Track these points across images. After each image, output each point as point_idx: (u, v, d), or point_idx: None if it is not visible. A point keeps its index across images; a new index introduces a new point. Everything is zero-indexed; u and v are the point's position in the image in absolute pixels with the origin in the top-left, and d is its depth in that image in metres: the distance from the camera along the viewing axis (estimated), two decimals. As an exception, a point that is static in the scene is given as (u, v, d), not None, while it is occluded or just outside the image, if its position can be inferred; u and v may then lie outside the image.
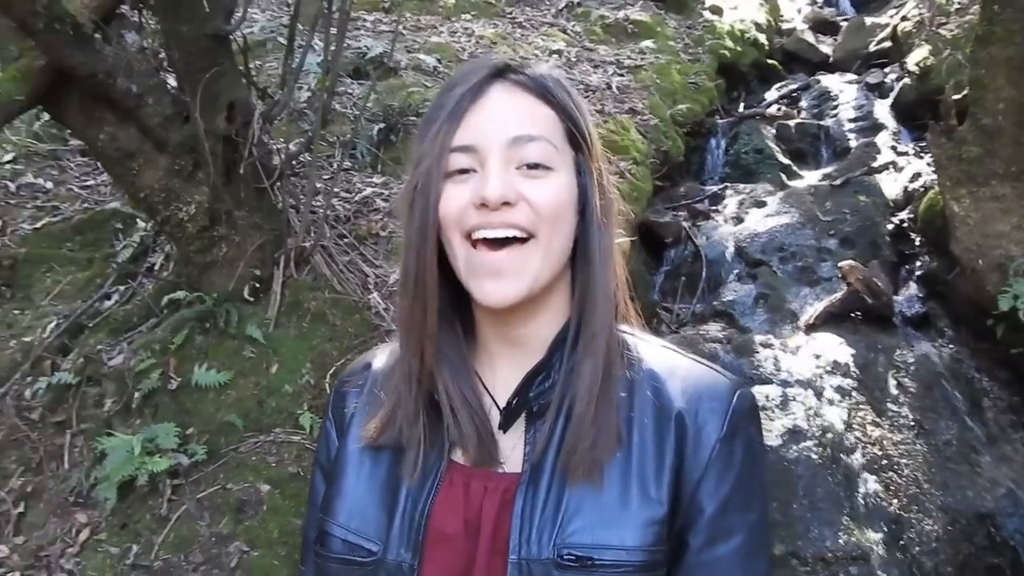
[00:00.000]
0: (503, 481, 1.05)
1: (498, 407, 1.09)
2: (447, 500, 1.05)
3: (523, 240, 1.02)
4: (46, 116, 4.00)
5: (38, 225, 3.92)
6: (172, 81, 3.20)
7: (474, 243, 1.02)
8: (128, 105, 2.92)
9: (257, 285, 3.29)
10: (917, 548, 2.95)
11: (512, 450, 1.06)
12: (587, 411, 1.02)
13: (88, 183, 4.28)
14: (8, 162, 4.26)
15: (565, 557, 0.98)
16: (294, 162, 3.64)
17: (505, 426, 1.07)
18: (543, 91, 1.07)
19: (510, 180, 1.01)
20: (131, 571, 2.64)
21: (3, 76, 2.74)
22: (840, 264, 3.99)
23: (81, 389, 3.15)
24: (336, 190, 3.85)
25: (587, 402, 1.02)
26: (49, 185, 4.22)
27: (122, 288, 3.60)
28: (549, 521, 0.99)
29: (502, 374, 1.10)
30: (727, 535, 1.01)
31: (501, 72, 1.07)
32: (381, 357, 1.19)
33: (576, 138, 1.08)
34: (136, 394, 3.03)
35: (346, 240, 3.63)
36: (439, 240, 1.04)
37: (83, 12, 2.81)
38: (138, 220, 3.85)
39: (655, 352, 1.11)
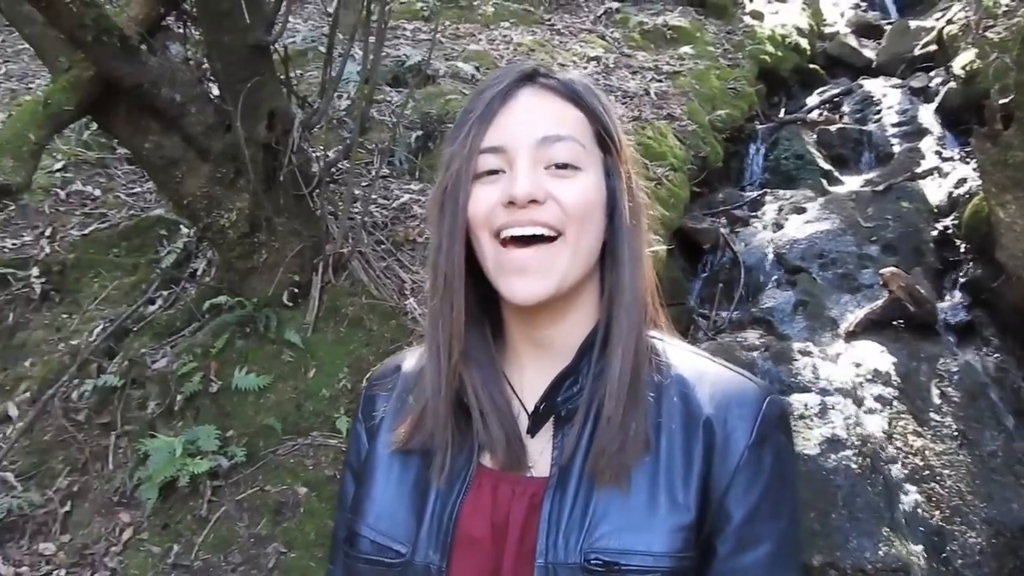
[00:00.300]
0: (531, 485, 1.05)
1: (526, 411, 1.09)
2: (475, 503, 1.05)
3: (551, 239, 1.02)
4: (94, 125, 4.11)
5: (86, 231, 4.02)
6: (215, 91, 3.27)
7: (503, 242, 1.03)
8: (172, 114, 3.00)
9: (296, 290, 3.34)
10: (960, 561, 2.88)
11: (540, 454, 1.06)
12: (615, 415, 1.01)
13: (134, 190, 4.38)
14: (58, 170, 4.38)
15: (592, 562, 0.97)
16: (333, 169, 3.69)
17: (533, 431, 1.07)
18: (572, 94, 1.07)
19: (538, 179, 1.02)
20: (172, 570, 2.69)
21: (54, 87, 2.83)
22: (882, 271, 3.93)
23: (126, 391, 3.23)
24: (374, 197, 3.88)
25: (615, 406, 1.01)
26: (97, 192, 4.33)
27: (166, 293, 3.68)
28: (576, 525, 0.99)
29: (529, 376, 1.11)
30: (755, 543, 1.00)
31: (531, 76, 1.08)
32: (411, 360, 1.20)
33: (605, 140, 1.08)
34: (178, 397, 3.10)
35: (383, 246, 3.66)
36: (468, 241, 1.05)
37: (130, 25, 2.89)
38: (182, 227, 3.93)
39: (684, 357, 1.10)
